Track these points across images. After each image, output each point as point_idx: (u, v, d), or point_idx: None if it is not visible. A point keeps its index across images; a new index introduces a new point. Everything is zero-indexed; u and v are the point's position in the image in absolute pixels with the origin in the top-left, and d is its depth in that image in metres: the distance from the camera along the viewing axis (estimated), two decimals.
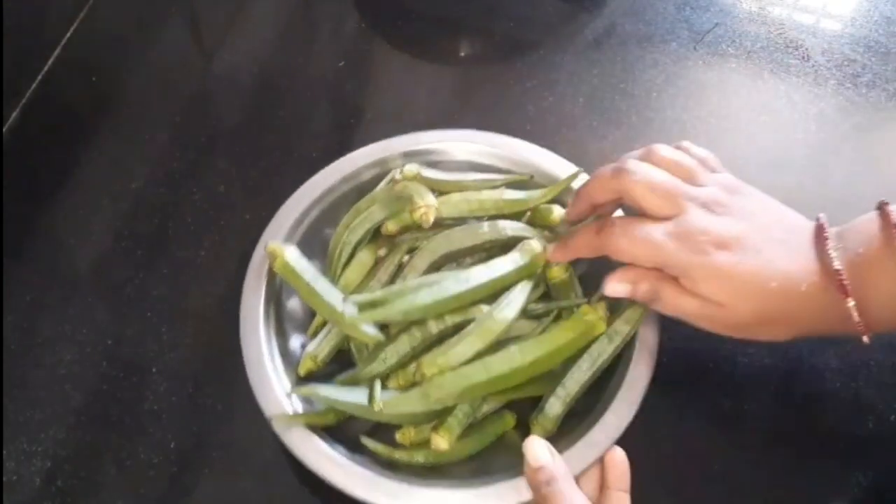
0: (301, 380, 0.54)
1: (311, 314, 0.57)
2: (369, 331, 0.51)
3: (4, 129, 0.71)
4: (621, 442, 0.54)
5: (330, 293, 0.53)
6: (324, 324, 0.56)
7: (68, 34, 0.78)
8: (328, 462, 0.48)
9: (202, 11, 0.83)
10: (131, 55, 0.78)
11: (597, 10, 0.81)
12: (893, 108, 0.73)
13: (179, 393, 0.57)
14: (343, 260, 0.58)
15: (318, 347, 0.55)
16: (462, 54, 0.81)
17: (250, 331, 0.53)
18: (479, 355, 0.51)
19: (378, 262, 0.58)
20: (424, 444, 0.51)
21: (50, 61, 0.76)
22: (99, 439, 0.55)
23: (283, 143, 0.70)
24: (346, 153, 0.61)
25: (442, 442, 0.49)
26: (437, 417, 0.51)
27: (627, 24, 0.79)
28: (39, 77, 0.75)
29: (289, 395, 0.50)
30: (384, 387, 0.51)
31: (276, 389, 0.50)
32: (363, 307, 0.51)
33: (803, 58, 0.76)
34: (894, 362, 0.57)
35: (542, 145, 0.61)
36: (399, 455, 0.51)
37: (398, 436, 0.52)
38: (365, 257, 0.58)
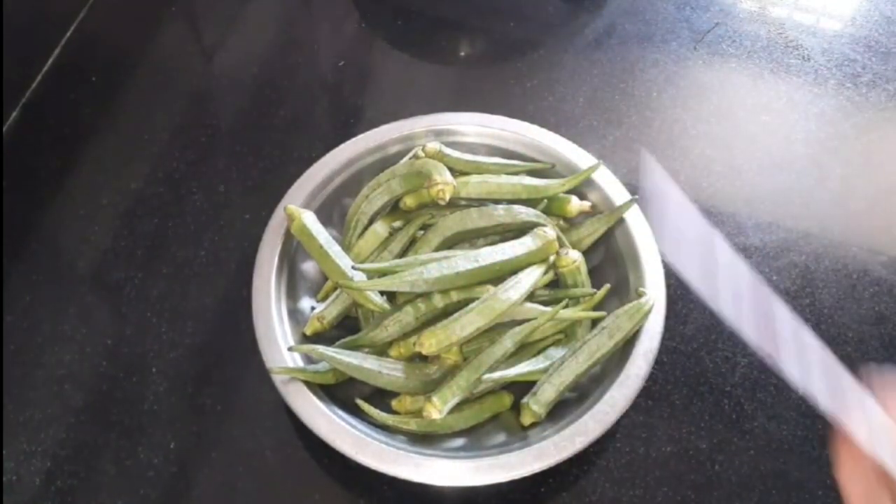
0: (307, 339, 0.55)
1: (323, 278, 0.58)
2: (375, 298, 0.54)
3: (4, 129, 0.71)
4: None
5: (341, 258, 0.55)
6: (334, 288, 0.57)
7: (68, 34, 0.78)
8: (321, 417, 0.49)
9: (202, 11, 0.83)
10: (131, 55, 0.78)
11: (597, 10, 0.81)
12: (893, 108, 0.73)
13: (179, 393, 0.57)
14: (359, 229, 0.59)
15: (326, 310, 0.56)
16: (462, 54, 0.81)
17: (262, 285, 0.54)
18: (478, 332, 0.51)
19: (392, 235, 0.59)
20: (419, 413, 0.52)
21: (50, 61, 0.76)
22: (99, 439, 0.55)
23: (283, 142, 0.70)
24: None
25: (434, 411, 0.50)
26: (435, 388, 0.51)
27: (627, 24, 0.79)
28: (39, 77, 0.75)
29: (290, 350, 0.51)
30: (384, 355, 0.53)
31: (280, 343, 0.52)
32: (372, 275, 0.53)
33: (803, 58, 0.76)
34: None
35: None
36: (393, 421, 0.51)
37: (394, 403, 0.53)
38: (380, 228, 0.59)
